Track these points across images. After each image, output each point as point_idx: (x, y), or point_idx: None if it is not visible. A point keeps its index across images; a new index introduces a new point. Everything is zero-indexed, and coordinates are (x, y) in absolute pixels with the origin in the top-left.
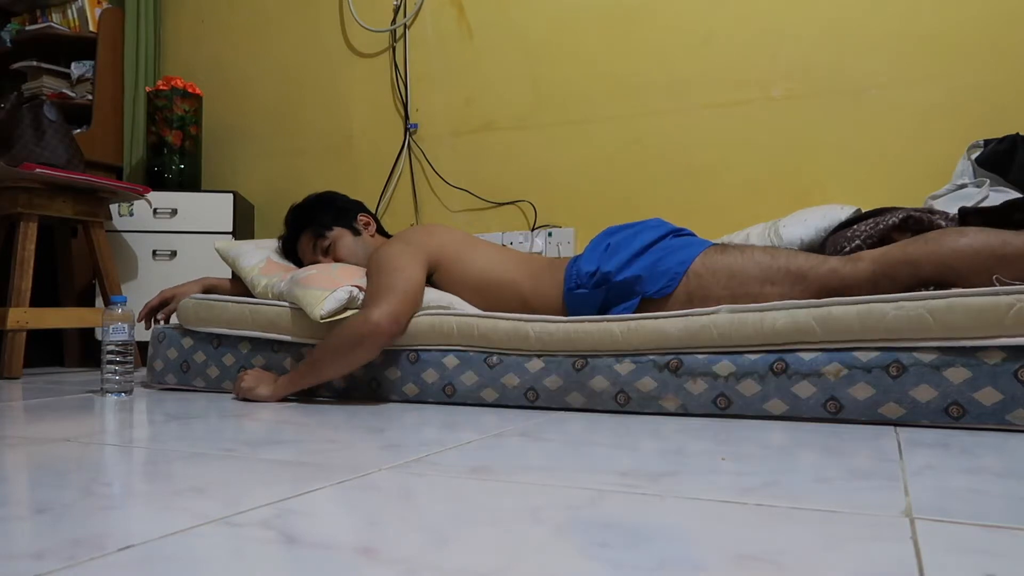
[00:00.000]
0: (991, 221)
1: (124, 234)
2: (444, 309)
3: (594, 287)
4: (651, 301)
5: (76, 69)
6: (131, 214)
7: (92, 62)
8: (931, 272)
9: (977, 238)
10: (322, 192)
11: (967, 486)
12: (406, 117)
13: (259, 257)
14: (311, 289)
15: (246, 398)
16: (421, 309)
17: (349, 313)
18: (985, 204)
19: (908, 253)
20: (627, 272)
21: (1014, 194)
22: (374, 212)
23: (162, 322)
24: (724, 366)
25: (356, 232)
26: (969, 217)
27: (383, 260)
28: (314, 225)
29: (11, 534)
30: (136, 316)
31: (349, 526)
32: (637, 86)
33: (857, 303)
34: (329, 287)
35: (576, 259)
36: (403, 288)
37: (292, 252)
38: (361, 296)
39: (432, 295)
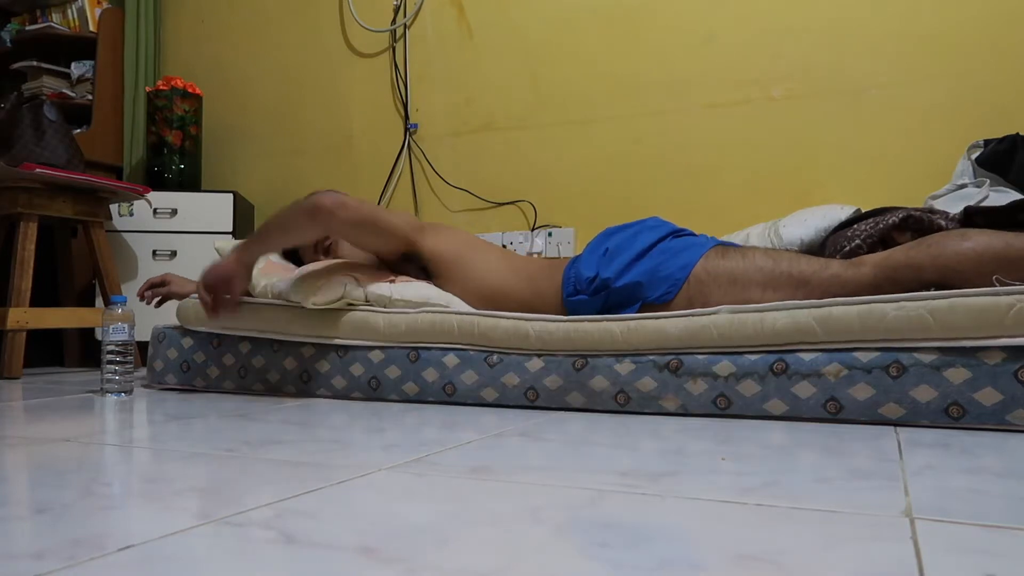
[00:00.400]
0: (996, 221)
1: (124, 234)
2: (444, 307)
3: (593, 293)
4: (652, 306)
5: (76, 69)
6: (131, 214)
7: (92, 62)
8: (934, 276)
9: (980, 241)
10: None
11: (967, 486)
12: (406, 117)
13: None
14: (307, 281)
15: (212, 284)
16: (421, 306)
17: (342, 302)
18: (986, 204)
19: (911, 257)
20: (627, 278)
21: (1014, 194)
22: None
23: (154, 302)
24: (724, 366)
25: None
26: (974, 217)
27: (390, 210)
28: None
29: (11, 534)
30: (139, 296)
31: (349, 526)
32: (637, 86)
33: (857, 303)
34: (324, 278)
35: (574, 262)
36: (366, 202)
37: (293, 251)
38: (355, 288)
39: (432, 292)
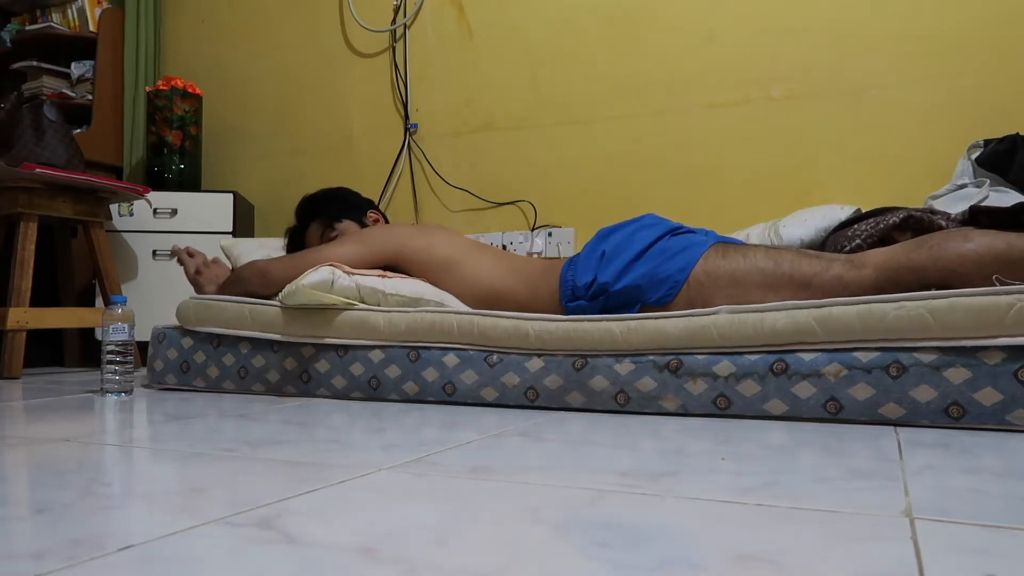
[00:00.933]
0: (1001, 222)
1: (124, 234)
2: (440, 305)
3: (592, 298)
4: (651, 308)
5: (76, 69)
6: (131, 214)
7: (92, 62)
8: (936, 277)
9: (981, 242)
10: (336, 187)
11: (967, 486)
12: (406, 117)
13: (260, 255)
14: (296, 274)
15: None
16: (417, 301)
17: (334, 289)
18: (986, 204)
19: (913, 259)
20: (625, 280)
21: (1015, 194)
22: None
23: (178, 255)
24: (724, 366)
25: (364, 227)
26: (980, 216)
27: (351, 240)
28: (325, 216)
29: (11, 534)
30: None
31: (349, 526)
32: (637, 86)
33: (857, 303)
34: (312, 268)
35: (571, 264)
36: (299, 262)
37: (299, 242)
38: (341, 277)
39: (426, 288)
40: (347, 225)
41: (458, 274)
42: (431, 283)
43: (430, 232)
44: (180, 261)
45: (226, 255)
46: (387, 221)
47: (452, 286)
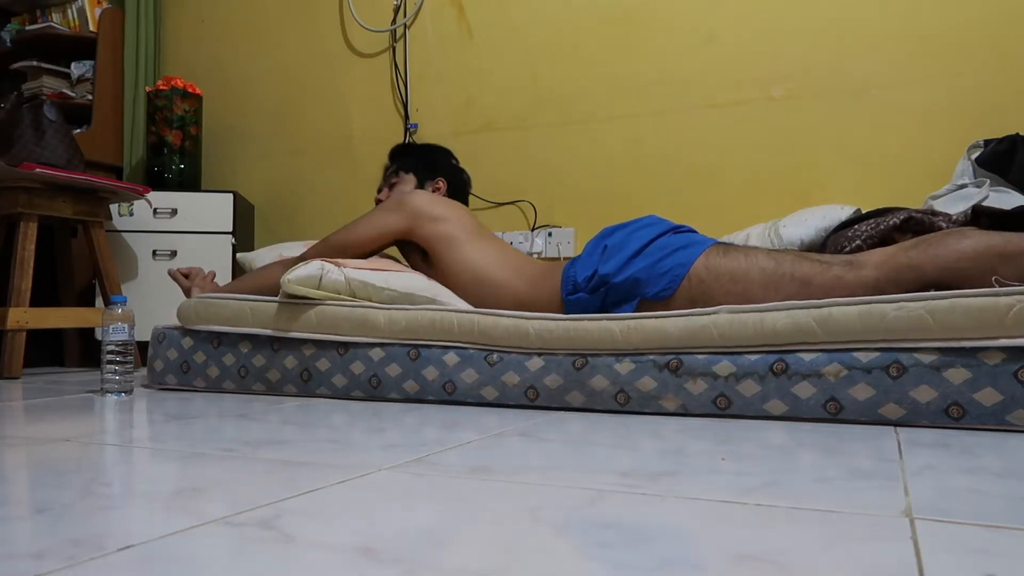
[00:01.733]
0: (1001, 224)
1: (124, 234)
2: (431, 301)
3: (592, 291)
4: (651, 304)
5: (76, 69)
6: (131, 214)
7: (92, 62)
8: (935, 275)
9: (979, 239)
10: (436, 145)
11: (967, 486)
12: (406, 117)
13: (271, 257)
14: (288, 266)
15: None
16: (408, 295)
17: (323, 284)
18: (986, 204)
19: (911, 258)
20: (625, 273)
21: (1015, 194)
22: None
23: (175, 279)
24: (724, 366)
25: (422, 188)
26: (981, 218)
27: (366, 215)
28: (399, 162)
29: (11, 534)
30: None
31: (349, 526)
32: (637, 86)
33: (858, 304)
34: (302, 261)
35: (573, 263)
36: (309, 252)
37: (384, 175)
38: (330, 272)
39: (419, 284)
40: (408, 178)
41: (462, 257)
42: (438, 262)
43: (445, 205)
44: (178, 282)
45: (241, 264)
46: (453, 188)
47: (457, 269)
